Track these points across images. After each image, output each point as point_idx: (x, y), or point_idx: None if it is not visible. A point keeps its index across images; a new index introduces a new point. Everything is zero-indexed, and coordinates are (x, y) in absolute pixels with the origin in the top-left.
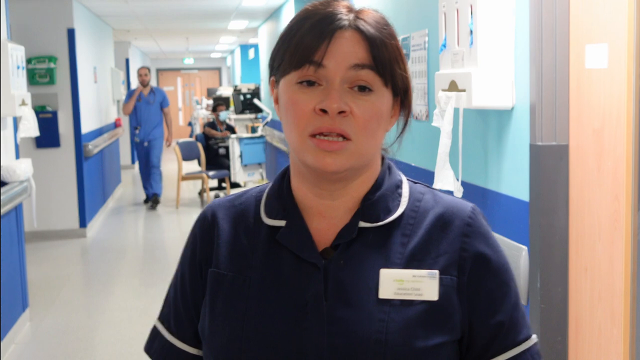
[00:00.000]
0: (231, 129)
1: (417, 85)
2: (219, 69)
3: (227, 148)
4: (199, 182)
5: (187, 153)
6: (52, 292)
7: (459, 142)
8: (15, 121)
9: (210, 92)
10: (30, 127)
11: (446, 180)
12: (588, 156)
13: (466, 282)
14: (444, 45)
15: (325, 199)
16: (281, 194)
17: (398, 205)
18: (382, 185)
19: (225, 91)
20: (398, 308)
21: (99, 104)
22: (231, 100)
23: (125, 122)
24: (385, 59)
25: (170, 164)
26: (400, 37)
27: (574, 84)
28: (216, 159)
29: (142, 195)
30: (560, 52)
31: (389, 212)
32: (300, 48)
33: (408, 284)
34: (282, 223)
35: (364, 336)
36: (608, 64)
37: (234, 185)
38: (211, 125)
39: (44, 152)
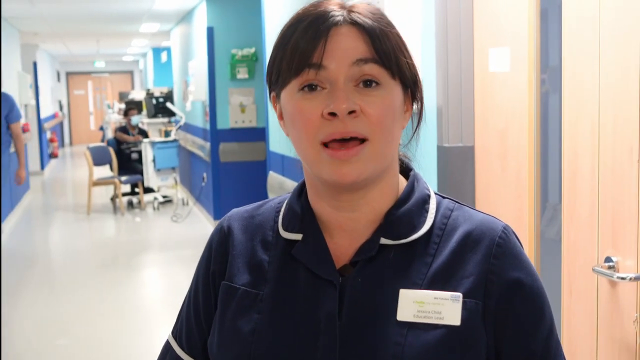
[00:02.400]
0: (144, 133)
1: None
2: (131, 73)
3: (139, 153)
4: (111, 188)
5: (99, 158)
6: None
7: None
8: None
9: (122, 96)
10: None
11: None
12: (493, 157)
13: (494, 307)
14: None
15: (344, 211)
16: (299, 206)
17: (424, 222)
18: (407, 200)
19: (138, 95)
20: (416, 331)
21: None
22: (144, 104)
23: (33, 126)
24: (388, 49)
25: (81, 169)
26: None
27: (478, 86)
28: (128, 163)
29: (54, 202)
30: (465, 56)
31: (414, 229)
32: (297, 53)
33: (429, 306)
34: (298, 237)
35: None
36: (510, 68)
37: (147, 190)
38: (123, 129)
39: None
